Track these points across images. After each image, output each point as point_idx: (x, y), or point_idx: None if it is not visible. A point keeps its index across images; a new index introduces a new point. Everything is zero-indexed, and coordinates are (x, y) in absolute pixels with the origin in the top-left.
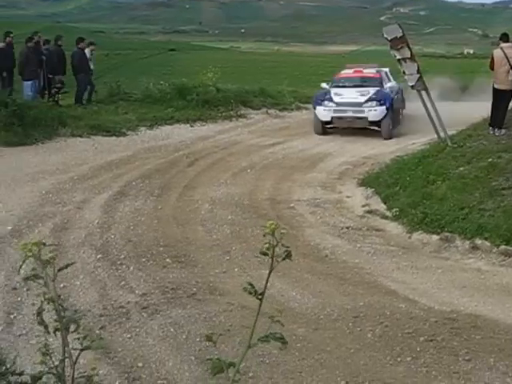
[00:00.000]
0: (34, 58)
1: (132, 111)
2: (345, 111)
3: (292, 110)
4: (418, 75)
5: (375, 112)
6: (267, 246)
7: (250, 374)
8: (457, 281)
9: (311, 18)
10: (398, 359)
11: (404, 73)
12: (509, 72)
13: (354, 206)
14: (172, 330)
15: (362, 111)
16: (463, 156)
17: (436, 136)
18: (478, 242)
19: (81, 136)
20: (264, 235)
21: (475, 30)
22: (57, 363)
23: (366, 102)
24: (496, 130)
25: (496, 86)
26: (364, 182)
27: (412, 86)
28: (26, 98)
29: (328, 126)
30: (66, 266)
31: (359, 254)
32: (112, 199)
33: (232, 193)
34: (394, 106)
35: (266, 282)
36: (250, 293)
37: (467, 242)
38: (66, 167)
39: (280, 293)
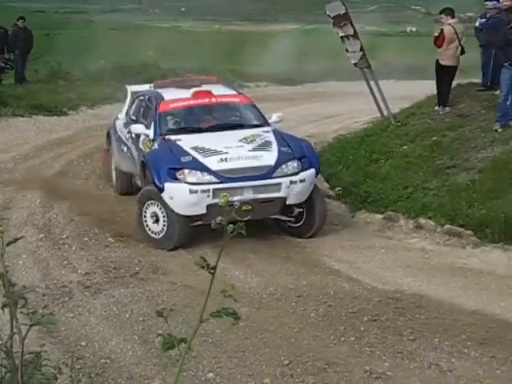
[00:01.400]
0: None
1: (73, 91)
2: (239, 190)
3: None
4: (361, 53)
5: (302, 185)
6: (220, 219)
7: (193, 354)
8: (400, 260)
9: None
10: (342, 339)
11: (347, 50)
12: (457, 48)
13: None
14: (115, 309)
15: (276, 186)
16: (407, 134)
17: (379, 114)
18: (422, 221)
19: (22, 116)
20: (220, 206)
21: (418, 7)
22: (5, 339)
23: (280, 163)
24: (441, 107)
25: (443, 63)
26: None
27: (355, 64)
28: None
29: (195, 223)
30: (15, 241)
31: None
32: (54, 178)
33: None
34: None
35: (219, 255)
36: (203, 267)
37: (411, 222)
38: (7, 147)
39: (223, 272)
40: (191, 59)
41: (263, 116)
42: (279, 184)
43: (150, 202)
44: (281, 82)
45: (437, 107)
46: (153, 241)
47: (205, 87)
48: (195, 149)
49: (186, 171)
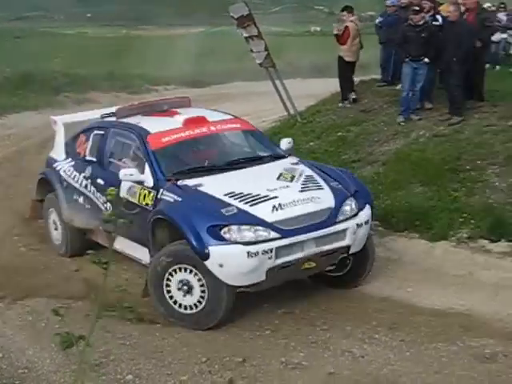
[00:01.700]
0: None
1: None
2: (300, 246)
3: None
4: (266, 52)
5: (366, 227)
6: (109, 213)
7: (112, 357)
8: None
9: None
10: (257, 333)
11: (252, 51)
12: (358, 44)
13: None
14: (30, 318)
15: (341, 233)
16: (313, 131)
17: (286, 113)
18: None
19: None
20: (106, 202)
21: (321, 7)
22: None
23: (340, 204)
24: (346, 102)
25: (348, 59)
26: None
27: (260, 64)
28: None
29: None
30: None
31: None
32: None
33: None
34: None
35: (110, 249)
36: (95, 262)
37: None
38: None
39: (139, 274)
40: (99, 65)
41: (274, 145)
42: (344, 230)
43: (177, 266)
44: (188, 84)
45: (340, 104)
46: (180, 317)
47: (183, 112)
48: (232, 196)
49: (234, 228)
